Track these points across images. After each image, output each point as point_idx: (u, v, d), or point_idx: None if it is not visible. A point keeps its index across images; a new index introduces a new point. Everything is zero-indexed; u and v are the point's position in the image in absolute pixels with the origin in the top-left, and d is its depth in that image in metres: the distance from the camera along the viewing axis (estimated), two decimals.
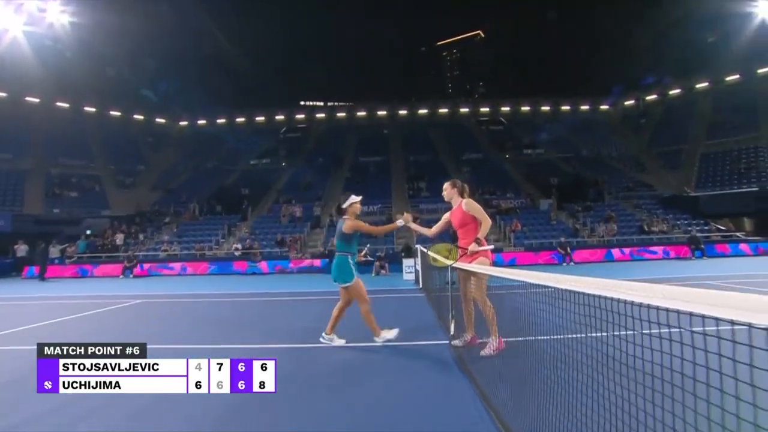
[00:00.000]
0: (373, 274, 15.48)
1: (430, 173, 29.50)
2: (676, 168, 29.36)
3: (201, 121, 41.48)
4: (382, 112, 42.00)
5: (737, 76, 33.87)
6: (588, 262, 17.68)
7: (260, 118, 41.93)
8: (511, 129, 38.94)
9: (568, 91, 43.82)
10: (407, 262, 13.08)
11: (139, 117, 37.29)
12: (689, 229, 20.08)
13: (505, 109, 41.63)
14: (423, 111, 41.97)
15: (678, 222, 21.39)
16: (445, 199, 4.60)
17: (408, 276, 12.78)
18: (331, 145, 37.11)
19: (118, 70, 39.65)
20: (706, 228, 20.85)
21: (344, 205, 4.82)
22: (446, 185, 4.60)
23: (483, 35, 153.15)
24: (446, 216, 4.63)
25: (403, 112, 41.91)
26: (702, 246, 17.62)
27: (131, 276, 17.53)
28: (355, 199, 4.83)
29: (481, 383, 3.31)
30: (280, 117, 42.02)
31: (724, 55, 34.10)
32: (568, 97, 41.93)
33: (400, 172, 31.41)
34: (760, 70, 32.69)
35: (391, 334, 4.72)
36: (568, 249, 17.49)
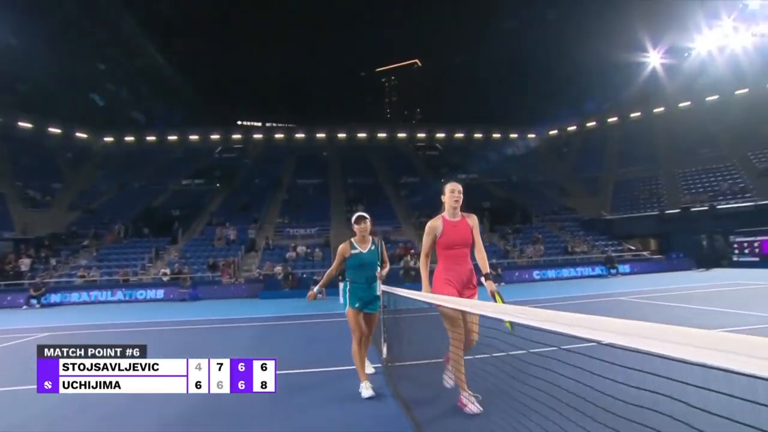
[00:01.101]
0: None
1: (370, 196, 29.87)
2: (594, 193, 32.05)
3: (128, 138, 39.18)
4: (321, 135, 42.15)
5: (639, 114, 38.25)
6: (519, 281, 18.65)
7: (194, 137, 40.40)
8: (446, 154, 40.56)
9: (498, 120, 46.74)
10: (344, 286, 13.03)
11: (55, 130, 34.44)
12: (606, 249, 21.96)
13: (441, 135, 43.48)
14: (362, 134, 42.69)
15: (596, 243, 23.29)
16: (449, 207, 3.50)
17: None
18: (269, 166, 36.45)
19: (33, 77, 36.54)
20: (619, 248, 22.88)
21: None
22: (459, 188, 3.52)
23: (420, 64, 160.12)
24: (430, 238, 3.51)
25: (342, 135, 42.34)
26: (616, 265, 19.29)
27: (38, 306, 15.86)
28: (354, 218, 4.13)
29: (411, 406, 3.40)
30: (215, 136, 40.75)
31: (628, 95, 38.42)
32: (499, 125, 44.73)
33: (338, 195, 31.46)
34: (655, 110, 37.23)
35: (366, 391, 3.84)
36: (499, 270, 18.36)
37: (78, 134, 36.15)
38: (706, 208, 22.78)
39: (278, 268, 18.72)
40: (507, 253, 21.71)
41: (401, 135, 43.84)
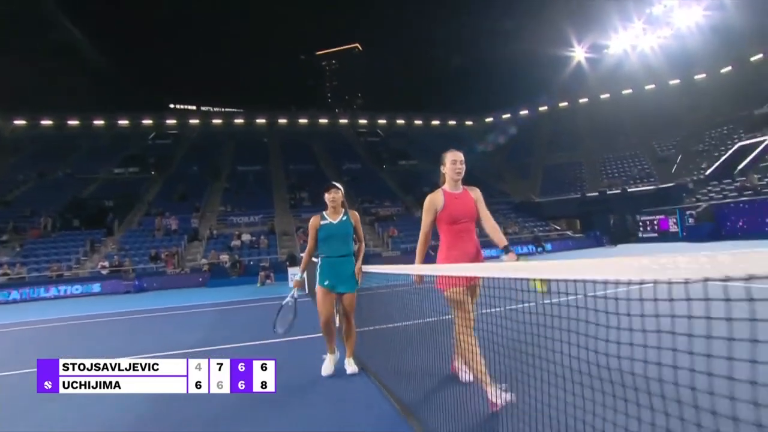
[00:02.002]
0: (258, 284, 15.54)
1: (312, 183, 30.06)
2: (526, 178, 34.43)
3: (45, 122, 36.14)
4: (261, 120, 41.34)
5: (566, 104, 41.30)
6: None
7: (123, 122, 38.07)
8: (388, 141, 41.43)
9: (438, 108, 48.38)
10: (292, 271, 13.51)
11: None
12: (534, 229, 24.01)
13: (382, 121, 44.22)
14: (303, 120, 42.40)
15: (526, 224, 25.32)
16: (450, 179, 3.14)
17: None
18: (207, 152, 35.34)
19: None
20: (546, 228, 25.09)
21: None
22: (461, 157, 3.16)
23: (360, 48, 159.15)
24: (431, 215, 3.13)
25: (283, 120, 41.82)
26: (543, 243, 21.27)
27: None
28: (325, 187, 3.92)
29: (374, 370, 3.85)
30: (147, 121, 38.67)
31: (556, 86, 41.38)
32: (438, 113, 46.31)
33: (281, 182, 31.35)
34: (580, 100, 40.42)
35: (327, 367, 3.83)
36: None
37: None
38: (619, 191, 25.53)
39: (224, 257, 18.70)
40: None
41: (343, 121, 44.12)
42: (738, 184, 20.85)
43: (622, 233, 22.20)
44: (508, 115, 43.49)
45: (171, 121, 39.69)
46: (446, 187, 3.15)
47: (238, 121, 41.42)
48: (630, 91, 37.84)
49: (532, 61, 47.10)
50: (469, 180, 3.15)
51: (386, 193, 29.21)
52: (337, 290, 3.77)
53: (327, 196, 3.83)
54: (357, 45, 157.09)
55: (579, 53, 39.20)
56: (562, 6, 39.25)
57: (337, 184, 3.90)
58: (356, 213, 4.01)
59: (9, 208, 24.66)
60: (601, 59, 38.87)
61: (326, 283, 3.75)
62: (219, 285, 16.26)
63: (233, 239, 20.92)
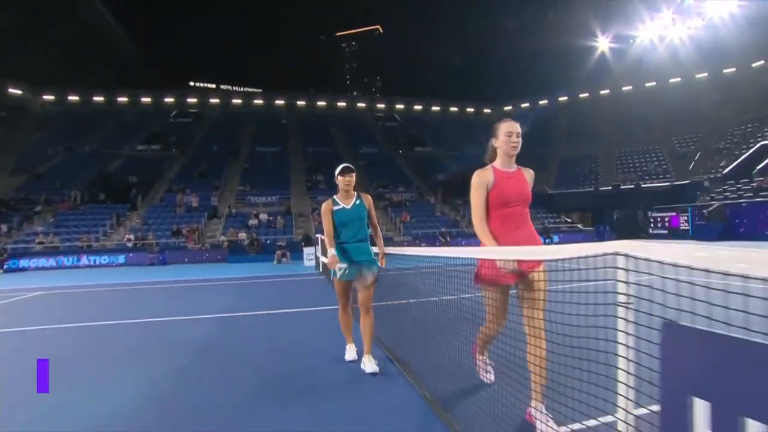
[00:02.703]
0: (275, 262, 16.31)
1: (329, 166, 30.52)
2: (543, 169, 34.38)
3: (72, 97, 37.26)
4: (280, 102, 41.87)
5: (587, 95, 40.82)
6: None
7: (146, 99, 39.02)
8: (405, 126, 41.62)
9: (456, 95, 48.22)
10: (307, 250, 14.18)
11: None
12: (544, 221, 24.29)
13: (400, 107, 44.35)
14: (322, 103, 42.78)
15: (537, 215, 25.55)
16: (504, 153, 2.64)
17: (309, 263, 13.90)
18: (226, 132, 36.12)
19: None
20: (557, 220, 25.33)
21: None
22: (518, 128, 2.62)
23: (381, 31, 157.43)
24: (483, 190, 2.66)
25: (301, 102, 42.27)
26: (551, 235, 21.61)
27: (0, 272, 15.91)
28: (339, 169, 3.72)
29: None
30: (169, 99, 39.53)
31: (578, 76, 40.88)
32: (456, 100, 46.20)
33: (298, 164, 31.98)
34: (602, 92, 39.88)
35: (350, 353, 3.85)
36: (448, 237, 20.10)
37: (10, 90, 33.93)
38: (632, 186, 25.51)
39: (242, 235, 19.50)
40: (457, 223, 23.51)
41: (361, 105, 44.36)
42: (755, 184, 20.75)
43: (631, 228, 22.33)
44: (527, 105, 43.19)
45: (192, 100, 40.47)
46: (497, 163, 2.67)
47: (258, 101, 42.00)
48: (654, 83, 37.18)
49: (555, 51, 46.52)
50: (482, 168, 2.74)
51: (401, 179, 29.64)
52: (356, 275, 3.58)
53: (341, 179, 3.64)
54: (378, 27, 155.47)
55: (603, 44, 38.65)
56: None
57: (351, 167, 3.71)
58: (369, 196, 3.84)
59: (41, 180, 25.87)
60: (626, 50, 38.30)
61: (345, 271, 3.59)
62: (237, 261, 17.12)
63: (251, 218, 21.70)
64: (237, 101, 41.84)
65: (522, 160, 2.70)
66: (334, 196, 3.74)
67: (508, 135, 2.56)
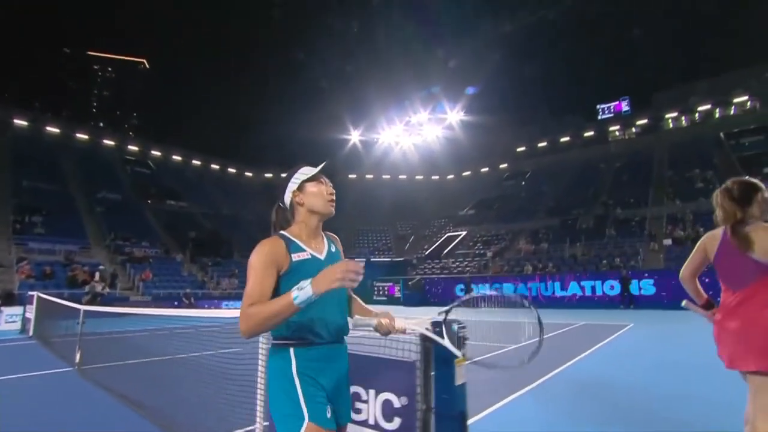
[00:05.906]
0: None
1: (52, 207, 25.48)
2: None
3: None
4: None
5: (338, 178, 47.38)
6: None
7: None
8: (159, 175, 38.50)
9: (218, 153, 48.17)
10: (8, 310, 11.65)
11: None
12: None
13: (156, 153, 40.88)
14: (53, 129, 35.66)
15: None
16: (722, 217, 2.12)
17: (10, 326, 11.45)
18: None
19: None
20: None
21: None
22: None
23: (147, 66, 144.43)
24: (700, 255, 2.23)
25: (21, 122, 34.22)
26: None
27: None
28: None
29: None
30: None
31: (337, 160, 47.43)
32: (219, 158, 45.81)
33: (5, 199, 25.38)
34: (351, 175, 47.10)
35: None
36: (192, 299, 19.49)
37: None
38: (364, 259, 30.55)
39: None
40: (203, 283, 22.95)
41: (108, 142, 38.86)
42: (442, 263, 28.07)
43: (360, 295, 26.42)
44: (284, 175, 46.56)
45: None
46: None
47: None
48: (389, 177, 46.43)
49: (315, 135, 53.03)
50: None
51: (147, 233, 27.02)
52: (340, 422, 1.64)
53: (319, 189, 1.78)
54: (144, 60, 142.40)
55: (355, 137, 46.57)
56: (342, 98, 46.67)
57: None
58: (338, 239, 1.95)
59: None
60: (372, 145, 47.05)
61: (320, 407, 1.52)
62: None
63: None
64: None
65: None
66: (284, 232, 1.75)
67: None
